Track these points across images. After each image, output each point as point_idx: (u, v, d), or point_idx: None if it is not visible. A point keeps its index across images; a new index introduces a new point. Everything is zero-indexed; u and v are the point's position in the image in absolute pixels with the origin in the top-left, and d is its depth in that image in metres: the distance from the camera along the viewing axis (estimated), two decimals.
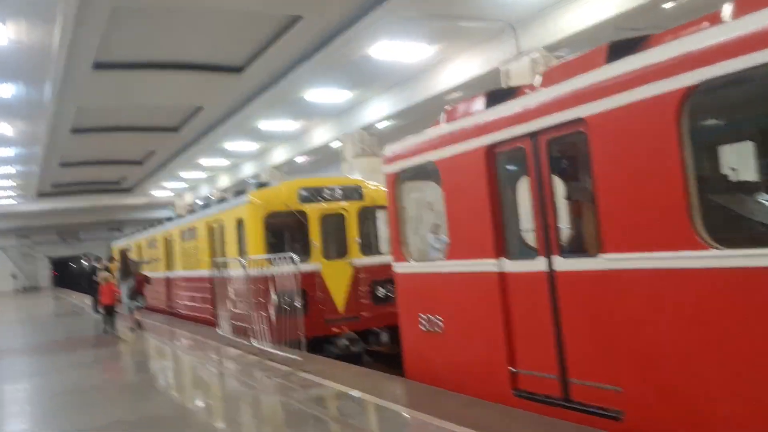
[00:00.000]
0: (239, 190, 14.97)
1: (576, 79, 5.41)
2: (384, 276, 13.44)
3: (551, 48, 18.44)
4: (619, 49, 5.24)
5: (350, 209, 13.18)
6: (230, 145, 32.83)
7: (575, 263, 5.63)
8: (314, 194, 12.95)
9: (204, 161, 37.17)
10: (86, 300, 33.47)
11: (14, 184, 39.04)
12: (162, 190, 48.69)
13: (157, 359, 12.10)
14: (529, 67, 18.71)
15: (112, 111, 27.28)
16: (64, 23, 17.01)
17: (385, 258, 13.61)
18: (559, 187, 6.12)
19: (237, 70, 23.47)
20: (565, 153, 6.01)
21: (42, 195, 45.82)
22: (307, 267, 12.14)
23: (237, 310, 11.83)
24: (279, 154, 34.57)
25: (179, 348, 12.78)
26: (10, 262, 61.67)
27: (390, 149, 8.14)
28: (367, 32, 19.31)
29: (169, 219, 20.91)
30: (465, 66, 21.16)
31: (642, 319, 4.90)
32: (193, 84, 23.75)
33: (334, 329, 12.68)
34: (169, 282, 19.63)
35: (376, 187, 13.71)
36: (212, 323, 15.36)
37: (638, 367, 4.97)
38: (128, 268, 16.76)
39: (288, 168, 36.02)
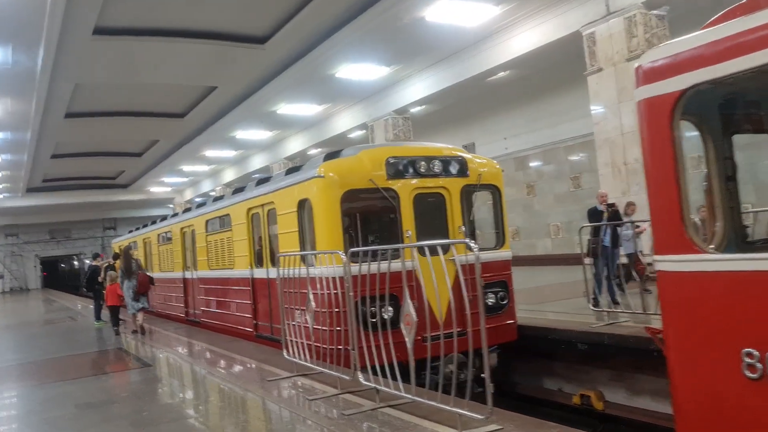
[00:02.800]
0: (294, 166, 11.24)
1: None
2: (494, 277, 9.89)
3: (650, 5, 14.96)
4: None
5: (452, 188, 9.54)
6: (241, 134, 29.02)
7: None
8: (407, 167, 9.29)
9: (210, 153, 33.31)
10: (80, 303, 29.56)
11: (1, 175, 34.88)
12: (161, 186, 44.69)
13: (203, 398, 8.28)
14: (624, 29, 15.21)
15: (113, 91, 23.40)
16: None
17: (494, 254, 10.03)
18: None
19: (260, 41, 19.81)
20: None
21: (32, 190, 41.69)
22: (396, 265, 8.54)
23: (319, 326, 8.13)
24: (294, 145, 30.82)
25: (226, 377, 9.02)
26: None
27: (658, 53, 4.51)
28: None
29: (187, 209, 17.11)
30: (536, 31, 17.56)
31: None
32: (208, 57, 20.00)
33: (433, 350, 9.03)
34: (188, 284, 15.83)
35: (481, 160, 10.09)
36: (251, 337, 11.67)
37: None
38: (131, 267, 14.18)
39: (301, 160, 32.34)
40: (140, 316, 14.16)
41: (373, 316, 8.40)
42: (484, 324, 6.01)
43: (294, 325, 8.51)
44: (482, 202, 10.61)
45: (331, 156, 9.71)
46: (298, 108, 25.10)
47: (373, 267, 7.56)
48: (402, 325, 6.23)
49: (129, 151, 34.65)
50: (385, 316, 8.66)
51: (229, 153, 33.59)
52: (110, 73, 20.88)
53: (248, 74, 22.04)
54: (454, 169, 9.62)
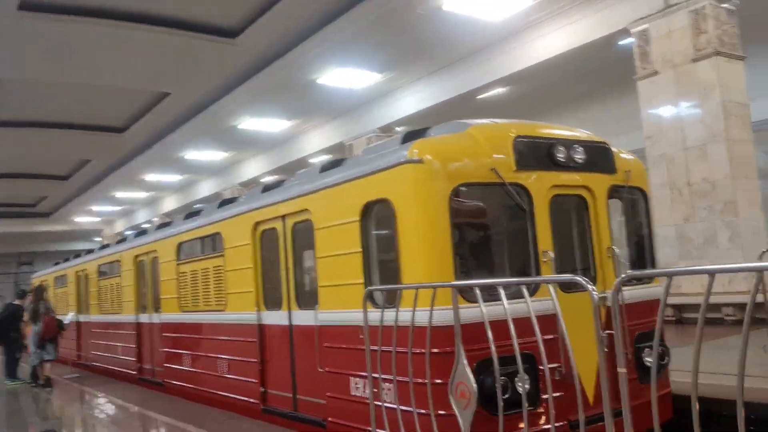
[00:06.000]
0: (333, 160, 7.57)
1: None
2: (649, 324, 6.52)
3: None
4: None
5: (597, 189, 6.17)
6: (191, 154, 24.90)
7: None
8: (542, 153, 5.88)
9: (150, 177, 28.84)
10: None
11: None
12: (88, 216, 39.36)
13: None
14: (689, 24, 12.42)
15: (40, 93, 19.03)
16: None
17: (646, 290, 6.62)
18: None
19: (230, 34, 16.16)
20: None
21: None
22: (531, 305, 5.16)
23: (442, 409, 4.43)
24: (251, 169, 26.89)
25: None
26: None
27: None
28: None
29: (141, 232, 12.96)
30: (567, 30, 14.67)
31: None
32: (164, 51, 16.19)
33: None
34: (143, 331, 11.67)
35: (625, 154, 6.76)
36: (255, 412, 7.79)
37: None
38: (38, 308, 12.39)
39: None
40: (47, 367, 12.35)
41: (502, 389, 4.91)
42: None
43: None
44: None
45: (414, 135, 6.16)
46: (264, 123, 21.37)
47: (496, 310, 4.29)
48: None
49: (53, 173, 29.73)
50: (520, 390, 5.27)
51: (174, 177, 29.25)
52: (39, 66, 16.66)
53: (211, 77, 18.28)
54: (599, 161, 6.27)
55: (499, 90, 18.20)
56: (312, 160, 23.96)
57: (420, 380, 4.86)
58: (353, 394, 6.13)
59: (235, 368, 8.29)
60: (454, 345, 4.69)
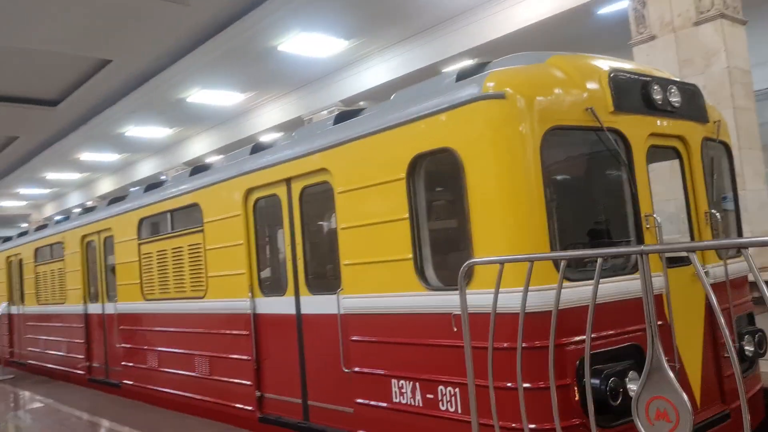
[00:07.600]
0: (346, 111, 6.06)
1: None
2: (741, 306, 5.39)
3: None
4: None
5: (692, 139, 4.95)
6: (133, 131, 22.59)
7: None
8: (636, 93, 4.58)
9: (85, 156, 26.23)
10: None
11: None
12: (14, 200, 35.99)
13: None
14: None
15: None
16: None
17: (734, 265, 5.44)
18: None
19: None
20: None
21: None
22: (630, 284, 3.98)
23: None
24: (198, 146, 24.77)
25: None
26: None
27: None
28: None
29: (89, 209, 11.04)
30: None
31: None
32: (108, 13, 14.14)
33: None
34: (93, 324, 9.87)
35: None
36: (249, 419, 6.29)
37: None
38: None
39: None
40: None
41: (608, 392, 3.70)
42: None
43: None
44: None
45: (471, 72, 4.73)
46: (216, 96, 19.44)
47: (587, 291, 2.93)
48: None
49: None
50: (632, 390, 3.99)
51: (112, 156, 26.73)
52: None
53: (158, 43, 16.27)
54: (693, 107, 5.04)
55: (468, 62, 16.98)
56: (264, 138, 22.19)
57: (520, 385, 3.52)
58: (396, 401, 4.73)
59: (220, 368, 6.73)
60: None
